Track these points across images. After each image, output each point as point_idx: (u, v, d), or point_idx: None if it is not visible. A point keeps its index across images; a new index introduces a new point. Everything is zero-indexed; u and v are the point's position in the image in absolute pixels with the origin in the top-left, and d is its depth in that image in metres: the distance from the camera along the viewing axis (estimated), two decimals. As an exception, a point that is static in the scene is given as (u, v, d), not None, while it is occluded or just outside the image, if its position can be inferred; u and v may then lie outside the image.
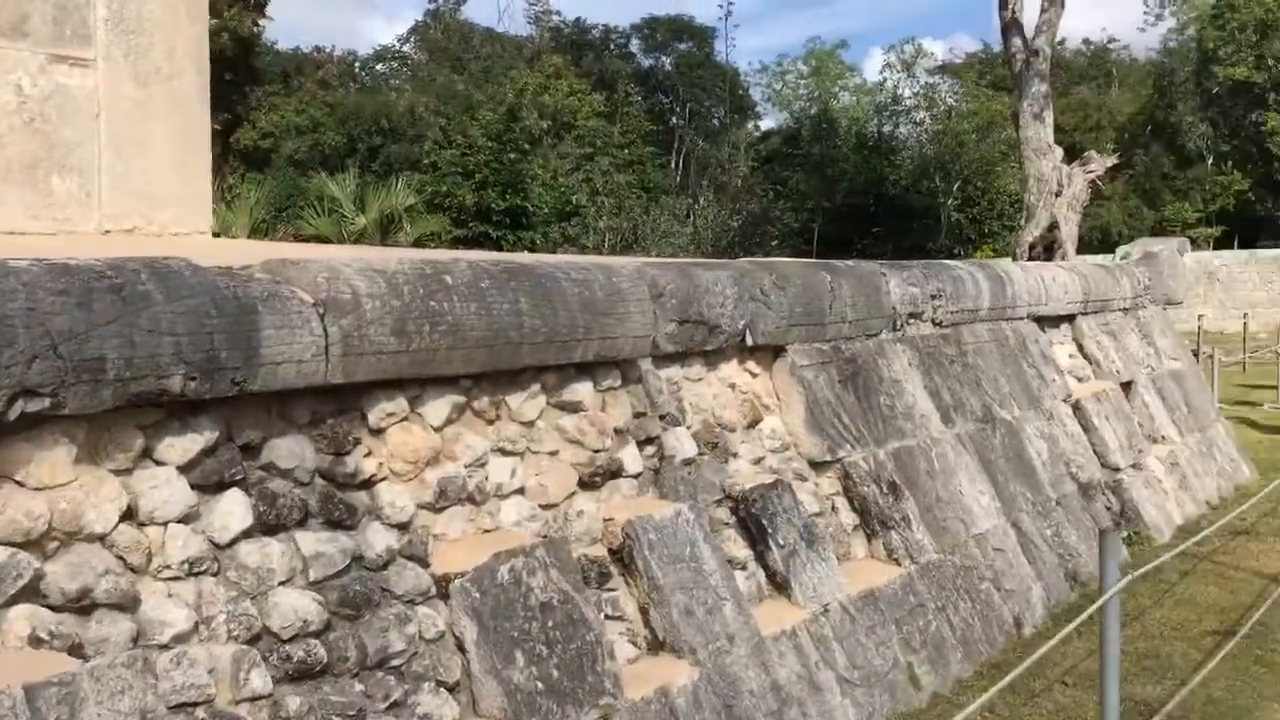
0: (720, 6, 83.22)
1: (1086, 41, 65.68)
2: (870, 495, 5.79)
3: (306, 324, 3.37)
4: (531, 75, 49.44)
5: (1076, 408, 8.49)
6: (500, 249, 37.19)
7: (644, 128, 43.83)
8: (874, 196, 45.97)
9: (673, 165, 62.14)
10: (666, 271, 5.04)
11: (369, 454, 3.74)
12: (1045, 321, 8.87)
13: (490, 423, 4.24)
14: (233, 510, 3.28)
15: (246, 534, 3.29)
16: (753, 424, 5.60)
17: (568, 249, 35.39)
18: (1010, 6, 27.60)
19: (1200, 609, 6.69)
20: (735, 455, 5.38)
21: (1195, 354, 26.39)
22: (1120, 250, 11.48)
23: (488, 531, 4.07)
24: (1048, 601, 6.63)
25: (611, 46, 67.99)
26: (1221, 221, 52.96)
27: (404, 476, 3.84)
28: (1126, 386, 9.54)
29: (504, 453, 4.24)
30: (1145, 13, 62.49)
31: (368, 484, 3.72)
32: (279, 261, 3.57)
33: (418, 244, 33.49)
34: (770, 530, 5.03)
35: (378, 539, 3.62)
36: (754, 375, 5.73)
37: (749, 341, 5.53)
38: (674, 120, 66.90)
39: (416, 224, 35.35)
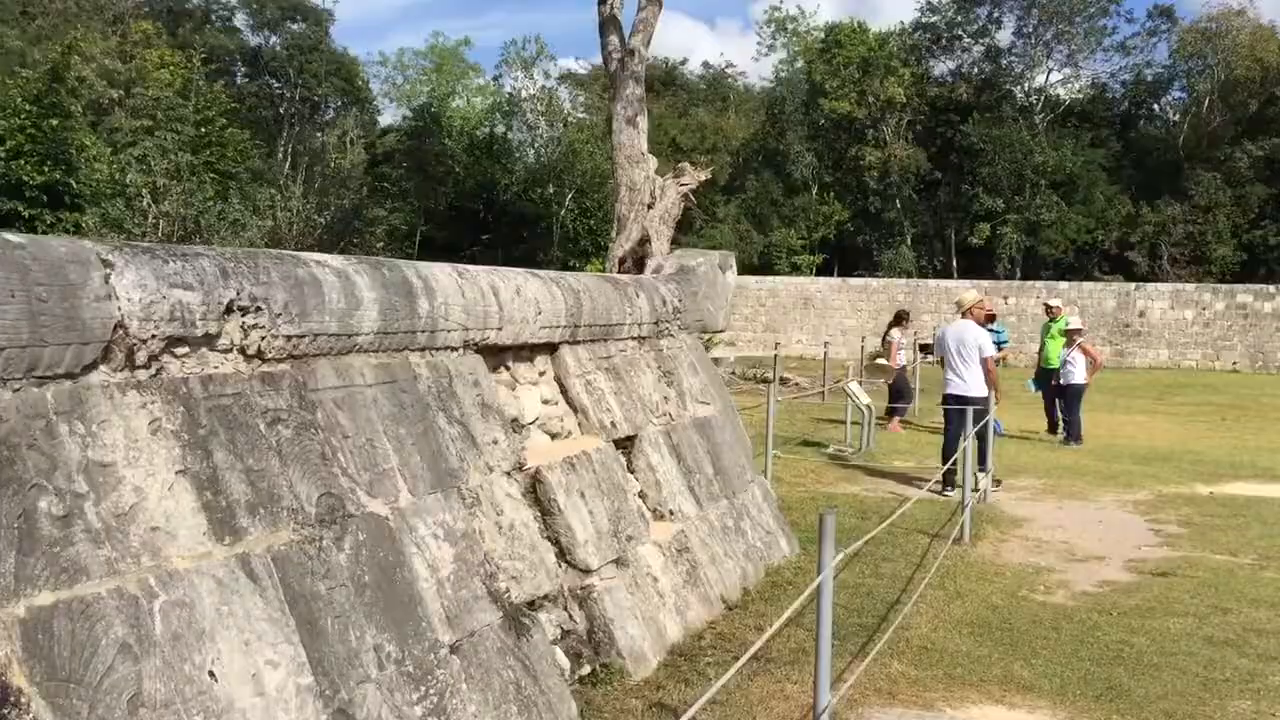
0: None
1: (706, 65, 66.78)
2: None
3: None
4: (94, 36, 43.19)
5: (537, 481, 5.84)
6: (34, 230, 31.51)
7: (225, 105, 38.95)
8: (484, 201, 43.44)
9: (280, 156, 57.36)
10: None
11: None
12: (506, 353, 6.18)
13: None
14: None
15: None
16: None
17: (109, 234, 30.33)
18: (609, 2, 25.75)
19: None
20: None
21: (782, 381, 25.50)
22: (651, 263, 9.12)
23: None
24: None
25: (214, 20, 61.79)
26: (824, 250, 54.68)
27: None
28: (628, 443, 7.05)
29: None
30: (758, 43, 64.25)
31: None
32: None
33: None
34: None
35: None
36: None
37: None
38: (284, 107, 61.89)
39: (-88, 197, 29.32)
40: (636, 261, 24.44)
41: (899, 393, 17.30)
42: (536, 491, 5.85)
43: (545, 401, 6.52)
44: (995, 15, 54.90)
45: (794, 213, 54.48)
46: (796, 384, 25.65)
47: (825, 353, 22.13)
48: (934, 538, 9.21)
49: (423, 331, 5.22)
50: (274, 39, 62.21)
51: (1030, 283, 39.46)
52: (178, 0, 61.17)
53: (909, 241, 53.60)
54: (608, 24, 25.58)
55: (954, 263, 52.37)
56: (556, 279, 6.63)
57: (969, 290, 12.35)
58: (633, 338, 7.62)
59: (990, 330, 16.28)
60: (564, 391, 6.68)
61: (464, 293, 5.54)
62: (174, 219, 30.47)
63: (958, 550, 8.85)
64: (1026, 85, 55.40)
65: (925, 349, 32.82)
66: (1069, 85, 55.72)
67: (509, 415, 5.99)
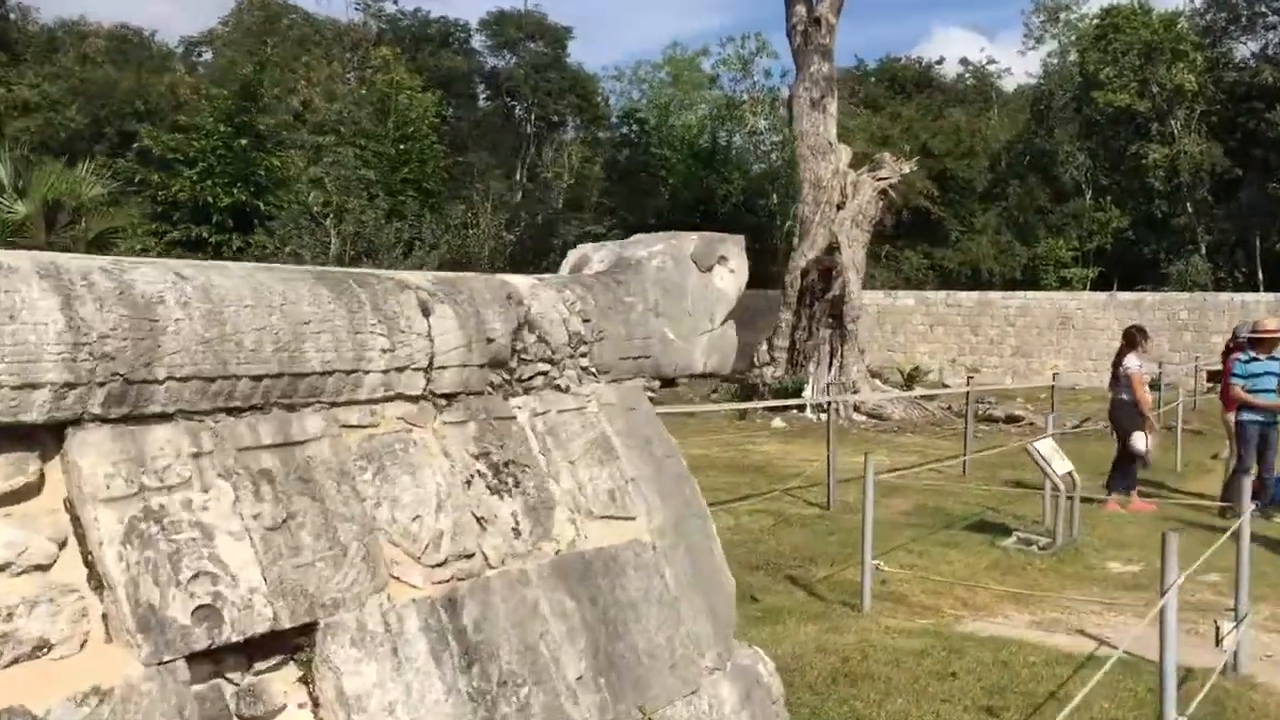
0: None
1: (964, 62, 60.66)
2: None
3: None
4: (320, 62, 42.78)
5: None
6: (219, 255, 30.53)
7: (428, 118, 37.26)
8: (701, 214, 39.90)
9: (519, 176, 56.48)
10: None
11: None
12: None
13: None
14: None
15: None
16: None
17: (280, 259, 28.77)
18: (797, -34, 21.66)
19: None
20: None
21: (1012, 419, 20.41)
22: (572, 255, 5.13)
23: None
24: None
25: (453, 42, 61.51)
26: (1099, 262, 47.82)
27: None
28: (304, 638, 3.15)
29: None
30: (1025, 36, 57.88)
31: None
32: None
33: (97, 242, 26.86)
34: None
35: None
36: None
37: None
38: (524, 127, 60.91)
39: (101, 218, 28.80)
40: (822, 273, 20.17)
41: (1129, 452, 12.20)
42: None
43: None
44: (1310, -15, 46.72)
45: (1063, 220, 48.07)
46: (1030, 424, 20.59)
47: (1053, 385, 17.02)
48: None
49: None
50: (512, 59, 61.30)
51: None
52: (419, 25, 61.27)
53: (1203, 251, 45.98)
54: (795, -9, 21.55)
55: (1259, 274, 44.42)
56: (63, 268, 2.82)
57: None
58: (403, 397, 3.70)
59: (1274, 358, 11.30)
60: (80, 539, 2.86)
61: None
62: (345, 238, 28.61)
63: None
64: (1351, 64, 46.71)
65: (1214, 377, 26.73)
66: (1407, 61, 46.62)
67: None
